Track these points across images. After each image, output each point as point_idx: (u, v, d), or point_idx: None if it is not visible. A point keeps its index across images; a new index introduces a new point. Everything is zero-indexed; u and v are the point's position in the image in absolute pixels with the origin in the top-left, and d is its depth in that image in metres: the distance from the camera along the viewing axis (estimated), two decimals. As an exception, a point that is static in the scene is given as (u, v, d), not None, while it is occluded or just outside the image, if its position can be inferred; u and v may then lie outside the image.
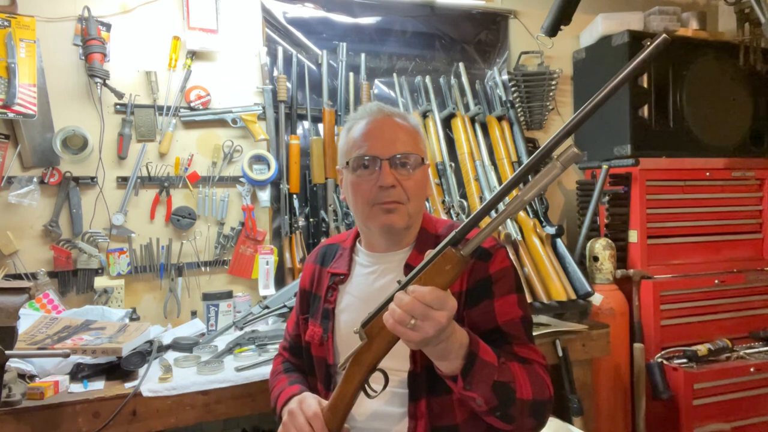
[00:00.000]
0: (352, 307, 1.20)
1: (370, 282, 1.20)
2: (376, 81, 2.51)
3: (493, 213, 0.94)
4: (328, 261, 1.30)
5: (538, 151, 0.83)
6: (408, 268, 1.15)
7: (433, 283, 0.87)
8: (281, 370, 1.35)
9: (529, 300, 2.08)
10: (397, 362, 1.08)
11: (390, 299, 0.91)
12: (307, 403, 1.08)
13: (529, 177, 0.87)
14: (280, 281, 2.22)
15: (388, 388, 1.04)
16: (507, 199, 0.90)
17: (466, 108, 2.54)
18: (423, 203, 1.21)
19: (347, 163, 1.16)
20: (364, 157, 1.14)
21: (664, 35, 0.75)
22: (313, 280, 1.31)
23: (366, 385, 1.00)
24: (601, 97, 0.80)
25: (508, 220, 2.24)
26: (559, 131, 0.81)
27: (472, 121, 2.51)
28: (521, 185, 0.89)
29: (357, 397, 1.02)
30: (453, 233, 0.89)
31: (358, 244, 1.28)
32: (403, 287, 0.90)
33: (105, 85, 2.02)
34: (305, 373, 1.30)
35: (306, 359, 1.27)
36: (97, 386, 1.51)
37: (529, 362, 1.04)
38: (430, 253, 0.90)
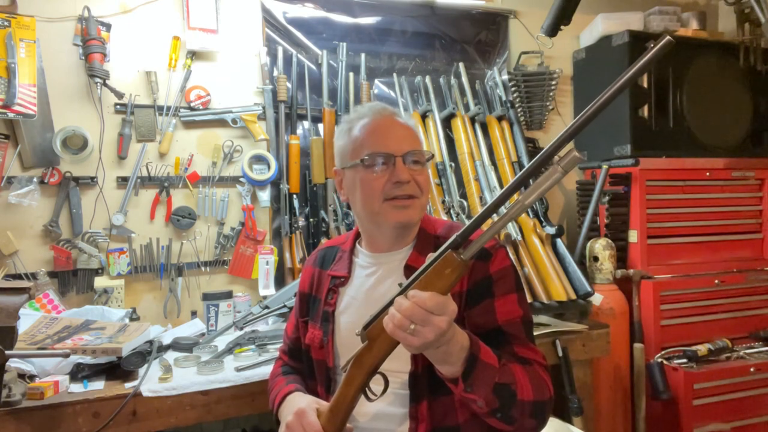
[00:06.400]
0: (352, 309, 1.20)
1: (370, 284, 1.20)
2: (376, 81, 2.51)
3: (494, 216, 0.94)
4: (327, 263, 1.30)
5: (540, 153, 0.83)
6: (408, 269, 1.14)
7: (434, 287, 0.87)
8: (279, 372, 1.35)
9: (529, 300, 2.08)
10: (398, 363, 1.08)
11: (391, 302, 0.91)
12: (308, 420, 1.06)
13: (531, 180, 0.86)
14: (280, 281, 2.22)
15: (390, 389, 1.04)
16: (508, 203, 0.90)
17: (466, 108, 2.53)
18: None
19: (362, 161, 1.15)
20: (379, 154, 1.13)
21: (668, 37, 0.74)
22: (312, 283, 1.30)
23: (366, 388, 1.00)
24: (604, 99, 0.78)
25: (508, 220, 2.24)
26: (560, 135, 0.81)
27: (472, 121, 2.50)
28: (522, 188, 0.89)
29: (357, 400, 1.02)
30: (454, 237, 0.89)
31: (358, 245, 1.28)
32: (403, 291, 0.90)
33: (105, 85, 2.01)
34: (304, 376, 1.30)
35: (306, 362, 1.27)
36: (97, 386, 1.51)
37: (529, 363, 1.04)
38: (431, 257, 0.90)
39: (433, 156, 1.20)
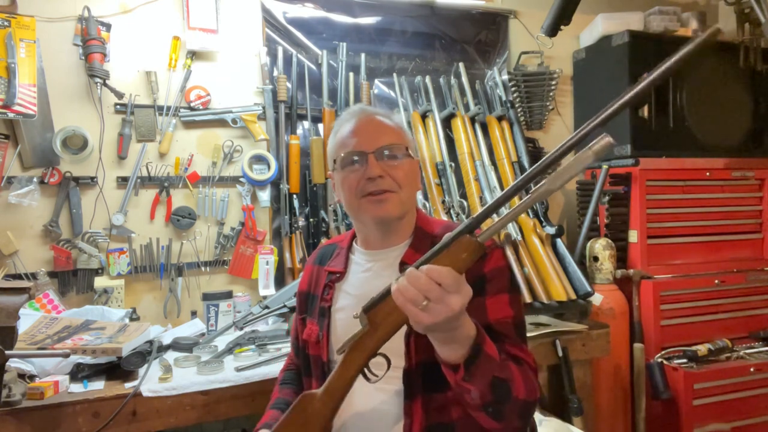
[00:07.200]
0: (348, 305, 1.20)
1: (366, 280, 1.21)
2: (376, 81, 2.51)
3: (502, 210, 0.92)
4: (325, 260, 1.31)
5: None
6: (403, 266, 1.14)
7: None
8: (279, 380, 1.38)
9: (529, 300, 2.08)
10: (393, 360, 1.07)
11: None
12: None
13: (546, 174, 0.82)
14: (280, 281, 2.22)
15: (384, 386, 1.03)
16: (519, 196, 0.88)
17: (466, 108, 2.53)
18: (415, 194, 1.23)
19: (335, 161, 1.19)
20: (351, 153, 1.16)
21: (717, 26, 0.71)
22: (311, 280, 1.31)
23: (366, 369, 0.98)
24: (638, 90, 0.74)
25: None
26: (585, 124, 0.77)
27: (472, 121, 2.50)
28: (532, 184, 0.86)
29: (354, 382, 0.99)
30: (469, 220, 0.85)
31: (354, 243, 1.29)
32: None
33: (105, 85, 2.02)
34: (301, 377, 1.30)
35: (302, 359, 1.28)
36: (97, 386, 1.52)
37: (520, 362, 1.04)
38: (448, 236, 0.85)
39: (408, 150, 1.20)
